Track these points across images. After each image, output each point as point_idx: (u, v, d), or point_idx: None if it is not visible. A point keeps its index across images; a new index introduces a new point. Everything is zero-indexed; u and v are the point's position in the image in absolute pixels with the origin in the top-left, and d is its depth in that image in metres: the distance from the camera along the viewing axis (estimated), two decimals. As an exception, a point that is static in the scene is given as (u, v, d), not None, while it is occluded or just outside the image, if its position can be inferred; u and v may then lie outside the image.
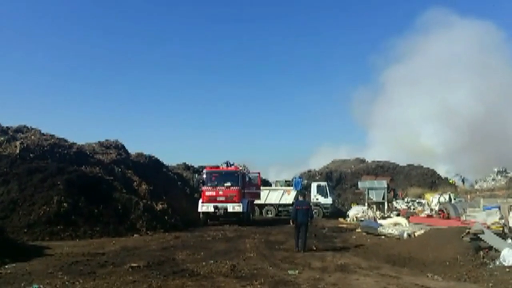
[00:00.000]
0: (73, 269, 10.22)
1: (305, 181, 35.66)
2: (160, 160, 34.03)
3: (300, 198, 18.17)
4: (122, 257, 12.10)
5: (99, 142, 29.65)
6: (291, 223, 15.23)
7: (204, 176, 25.27)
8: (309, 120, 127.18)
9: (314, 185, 34.18)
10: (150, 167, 31.04)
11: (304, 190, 33.19)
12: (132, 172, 26.08)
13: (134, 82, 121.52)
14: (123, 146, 30.50)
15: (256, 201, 29.80)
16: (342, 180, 51.60)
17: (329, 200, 33.21)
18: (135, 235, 18.07)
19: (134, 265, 10.60)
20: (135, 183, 24.65)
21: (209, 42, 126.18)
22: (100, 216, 18.27)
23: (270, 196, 31.26)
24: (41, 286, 8.36)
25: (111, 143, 29.96)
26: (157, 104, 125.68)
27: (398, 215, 24.21)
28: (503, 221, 15.56)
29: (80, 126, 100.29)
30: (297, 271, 10.51)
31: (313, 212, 18.60)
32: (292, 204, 26.09)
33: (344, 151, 69.65)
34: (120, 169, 25.31)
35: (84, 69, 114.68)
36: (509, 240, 13.05)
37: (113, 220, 18.51)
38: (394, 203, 30.74)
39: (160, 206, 22.39)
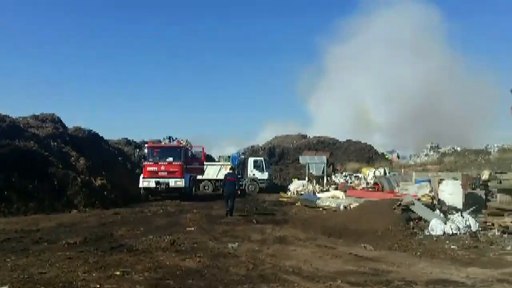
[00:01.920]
0: (5, 246, 9.88)
1: (242, 156, 36.05)
2: (100, 134, 33.14)
3: (230, 171, 19.33)
4: (57, 234, 11.80)
5: (33, 115, 28.39)
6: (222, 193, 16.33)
7: (146, 151, 24.91)
8: (257, 97, 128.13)
9: (251, 160, 34.59)
10: (89, 141, 30.15)
11: (241, 165, 33.65)
12: (69, 147, 25.22)
13: (71, 53, 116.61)
14: (59, 120, 29.36)
15: (194, 176, 29.66)
16: (285, 155, 52.45)
17: (265, 175, 33.74)
18: (72, 212, 17.62)
19: (70, 241, 10.37)
20: (72, 158, 23.89)
21: (154, 12, 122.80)
22: (34, 192, 17.65)
23: (207, 171, 31.24)
24: (-30, 264, 8.02)
25: (47, 116, 28.77)
26: (98, 76, 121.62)
27: (336, 188, 25.04)
28: (432, 193, 16.37)
29: (13, 98, 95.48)
30: (236, 244, 10.69)
31: (240, 183, 22.42)
32: None
33: (290, 127, 70.81)
34: (56, 144, 24.41)
35: (14, 39, 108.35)
36: (437, 211, 13.87)
37: (48, 196, 17.97)
38: (333, 177, 31.72)
39: (99, 181, 21.91)
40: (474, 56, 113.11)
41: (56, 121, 28.84)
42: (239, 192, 18.36)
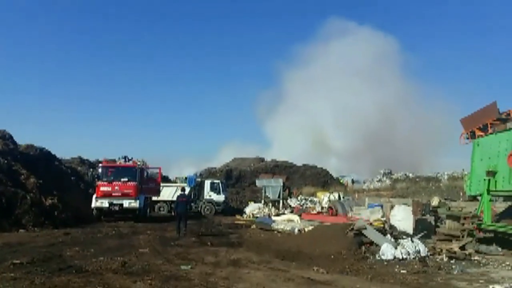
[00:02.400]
0: None
1: (199, 179, 35.86)
2: (53, 153, 32.18)
3: (181, 192, 20.22)
4: (3, 254, 11.37)
5: (-19, 131, 27.31)
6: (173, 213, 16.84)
7: (100, 170, 24.36)
8: (217, 120, 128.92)
9: (207, 183, 34.49)
10: (41, 160, 29.18)
11: (197, 187, 33.48)
12: (20, 165, 24.36)
13: (25, 69, 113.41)
14: (10, 137, 28.35)
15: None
16: (242, 178, 52.54)
17: (221, 197, 33.70)
18: (20, 231, 17.06)
19: (17, 261, 10.03)
20: (22, 176, 23.05)
21: (116, 32, 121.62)
22: (-20, 210, 16.96)
23: (163, 192, 30.81)
24: None
25: (-4, 132, 27.73)
26: (52, 94, 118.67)
27: (291, 212, 25.27)
28: (384, 218, 16.80)
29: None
30: (189, 266, 10.62)
31: (191, 204, 25.53)
32: None
33: (248, 150, 71.07)
34: (6, 161, 23.54)
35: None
36: (388, 236, 14.22)
37: (-5, 214, 17.28)
38: (288, 200, 31.96)
39: (50, 201, 21.24)
40: (427, 85, 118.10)
41: (7, 137, 27.82)
42: (188, 212, 20.27)
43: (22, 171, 23.56)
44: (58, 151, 37.96)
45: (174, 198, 30.55)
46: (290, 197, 33.52)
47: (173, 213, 17.51)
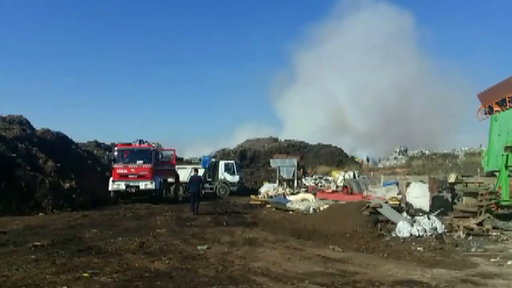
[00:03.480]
0: (-29, 248, 9.70)
1: (213, 160, 35.90)
2: (69, 137, 32.57)
3: (194, 173, 21.02)
4: (24, 236, 11.63)
5: (0, 117, 27.70)
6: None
7: (116, 153, 24.57)
8: (230, 102, 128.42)
9: (221, 163, 34.51)
10: (58, 144, 29.58)
11: (212, 168, 33.59)
12: (37, 149, 24.72)
13: (41, 56, 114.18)
14: (27, 122, 28.75)
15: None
16: (256, 159, 52.58)
17: (236, 178, 33.72)
18: (40, 214, 17.37)
19: (38, 243, 10.24)
20: (40, 160, 23.43)
21: (128, 16, 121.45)
22: (1, 194, 17.43)
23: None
24: None
25: (14, 118, 28.11)
26: (68, 79, 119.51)
27: (306, 191, 25.27)
28: (400, 196, 16.69)
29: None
30: (206, 246, 10.74)
31: (203, 184, 26.07)
32: None
33: (262, 131, 70.97)
34: (24, 146, 23.90)
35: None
36: (404, 214, 14.17)
37: (16, 198, 17.71)
38: (303, 180, 32.00)
39: (68, 184, 21.58)
40: (443, 61, 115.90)
41: (24, 123, 28.23)
42: (203, 192, 21.77)
43: (40, 155, 23.93)
44: (74, 135, 38.33)
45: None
46: (305, 177, 33.56)
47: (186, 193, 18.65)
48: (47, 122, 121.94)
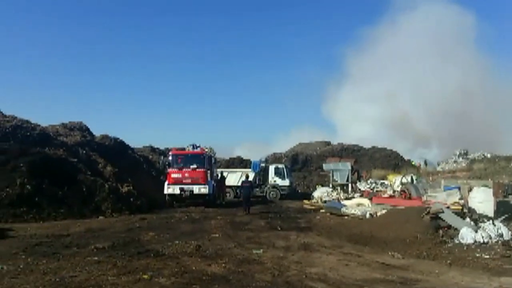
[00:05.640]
0: (37, 250, 10.14)
1: (263, 164, 35.85)
2: (126, 142, 33.66)
3: (244, 178, 23.41)
4: (86, 239, 12.03)
5: (62, 124, 29.07)
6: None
7: (170, 158, 25.08)
8: (282, 105, 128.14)
9: (272, 168, 34.38)
10: (116, 149, 30.65)
11: (262, 172, 33.59)
12: (96, 154, 25.70)
13: (98, 64, 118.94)
14: (87, 128, 30.01)
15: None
16: (308, 162, 52.14)
17: (286, 182, 33.47)
18: (100, 217, 17.93)
19: (99, 246, 10.58)
20: (100, 165, 24.34)
21: (177, 24, 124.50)
22: (64, 198, 18.11)
23: (229, 178, 31.16)
24: (4, 266, 8.24)
25: (75, 125, 29.44)
26: (123, 86, 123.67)
27: (361, 196, 24.73)
28: (462, 201, 16.02)
29: (43, 107, 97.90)
30: (261, 250, 10.70)
31: (253, 188, 27.47)
32: None
33: (314, 134, 70.46)
34: (84, 151, 24.93)
35: (45, 50, 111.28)
36: (467, 219, 13.58)
37: (77, 202, 18.36)
38: (358, 184, 31.30)
39: (126, 188, 22.23)
40: (504, 58, 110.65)
41: (84, 129, 29.47)
42: (252, 195, 24.04)
43: (99, 160, 24.86)
44: (131, 141, 39.55)
45: (239, 184, 31.26)
46: (359, 181, 32.79)
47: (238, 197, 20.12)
48: (105, 127, 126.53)
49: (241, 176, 30.46)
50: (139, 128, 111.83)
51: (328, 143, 59.83)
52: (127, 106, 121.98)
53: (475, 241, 11.80)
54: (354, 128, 68.98)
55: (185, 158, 24.75)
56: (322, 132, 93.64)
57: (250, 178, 32.84)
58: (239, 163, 44.04)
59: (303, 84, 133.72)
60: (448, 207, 14.51)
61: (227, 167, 40.65)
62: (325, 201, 25.28)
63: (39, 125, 25.03)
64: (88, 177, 20.30)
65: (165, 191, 24.05)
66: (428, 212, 13.66)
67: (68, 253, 9.75)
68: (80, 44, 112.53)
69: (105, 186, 20.13)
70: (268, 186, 33.18)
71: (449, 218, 13.35)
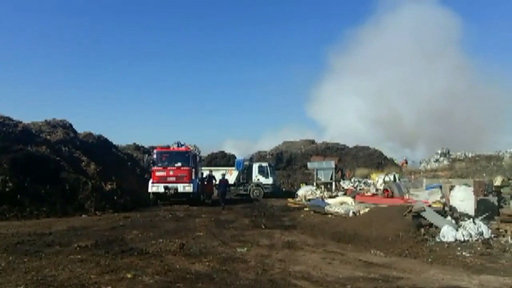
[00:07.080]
0: (19, 248, 10.00)
1: (247, 162, 35.86)
2: (110, 140, 33.40)
3: (222, 177, 24.68)
4: (69, 237, 11.91)
5: (45, 121, 28.66)
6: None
7: (155, 156, 24.97)
8: (267, 105, 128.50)
9: (255, 166, 34.43)
10: (99, 147, 30.39)
11: (246, 170, 33.67)
12: (80, 152, 25.45)
13: (81, 60, 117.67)
14: (70, 126, 29.65)
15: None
16: (293, 161, 52.31)
17: (270, 180, 33.56)
18: (83, 215, 17.80)
19: (82, 244, 10.49)
20: (83, 163, 24.11)
21: (161, 22, 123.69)
22: (47, 196, 17.95)
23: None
24: (-16, 266, 8.14)
25: (58, 122, 29.05)
26: (107, 84, 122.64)
27: (345, 194, 24.91)
28: (444, 200, 16.22)
29: (26, 104, 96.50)
30: (245, 249, 10.74)
31: (229, 186, 28.63)
32: (233, 184, 32.50)
33: (298, 134, 70.54)
34: (67, 149, 24.66)
35: (27, 47, 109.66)
36: (448, 218, 13.76)
37: (60, 200, 18.21)
38: (341, 183, 31.51)
39: (109, 186, 22.10)
40: (487, 60, 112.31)
41: (67, 126, 29.12)
42: (228, 191, 26.45)
43: (82, 158, 24.63)
44: (115, 138, 39.30)
45: None
46: (343, 179, 33.04)
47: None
48: (88, 125, 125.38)
49: (225, 173, 30.57)
50: (124, 126, 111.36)
51: (312, 142, 60.05)
52: (111, 103, 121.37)
53: (456, 239, 11.96)
54: (337, 122, 69.52)
55: (169, 156, 24.66)
56: (309, 131, 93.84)
57: (234, 177, 33.15)
58: (221, 157, 44.01)
59: (290, 83, 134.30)
60: (429, 206, 14.68)
61: (210, 162, 40.60)
62: (309, 200, 25.39)
63: (21, 122, 24.62)
64: (71, 175, 20.12)
65: (150, 189, 23.95)
66: (410, 211, 13.81)
67: (51, 252, 9.65)
68: (62, 41, 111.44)
69: (89, 184, 19.98)
70: (252, 184, 33.24)
71: (430, 216, 13.52)
